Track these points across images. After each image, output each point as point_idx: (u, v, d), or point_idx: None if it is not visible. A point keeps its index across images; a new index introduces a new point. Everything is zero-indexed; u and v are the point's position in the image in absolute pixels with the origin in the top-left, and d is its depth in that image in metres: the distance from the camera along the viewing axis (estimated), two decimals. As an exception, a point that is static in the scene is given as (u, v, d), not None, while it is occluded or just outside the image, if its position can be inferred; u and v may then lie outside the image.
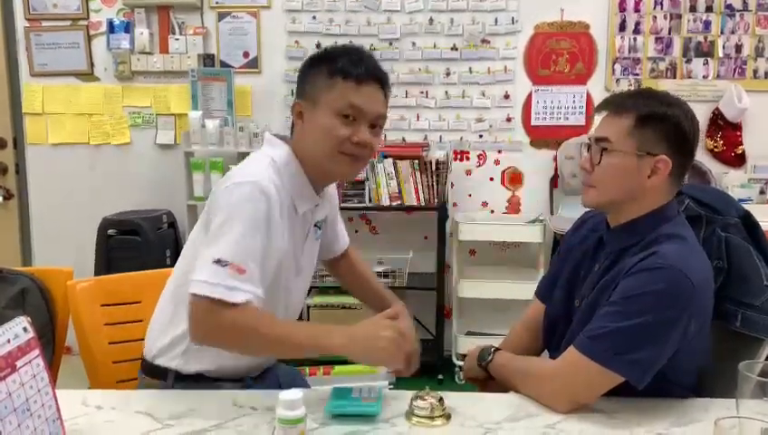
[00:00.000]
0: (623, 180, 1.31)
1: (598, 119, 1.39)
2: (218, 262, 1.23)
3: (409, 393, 1.26)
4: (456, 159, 3.46)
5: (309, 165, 1.39)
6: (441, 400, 1.23)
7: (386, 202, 3.22)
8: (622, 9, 3.32)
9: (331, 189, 1.56)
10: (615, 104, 1.35)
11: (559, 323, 1.46)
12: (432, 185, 3.23)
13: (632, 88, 3.32)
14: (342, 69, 1.34)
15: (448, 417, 1.22)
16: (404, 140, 3.45)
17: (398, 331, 1.24)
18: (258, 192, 1.28)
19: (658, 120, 1.30)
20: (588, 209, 1.52)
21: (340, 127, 1.34)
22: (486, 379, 1.48)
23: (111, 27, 3.41)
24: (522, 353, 1.54)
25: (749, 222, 1.43)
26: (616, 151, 1.31)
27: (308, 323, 1.35)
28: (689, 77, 3.34)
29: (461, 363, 3.26)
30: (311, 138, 1.36)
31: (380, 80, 1.38)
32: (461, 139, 3.46)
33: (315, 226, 1.49)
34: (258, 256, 1.27)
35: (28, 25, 3.46)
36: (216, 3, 3.42)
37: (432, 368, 3.23)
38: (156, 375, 1.44)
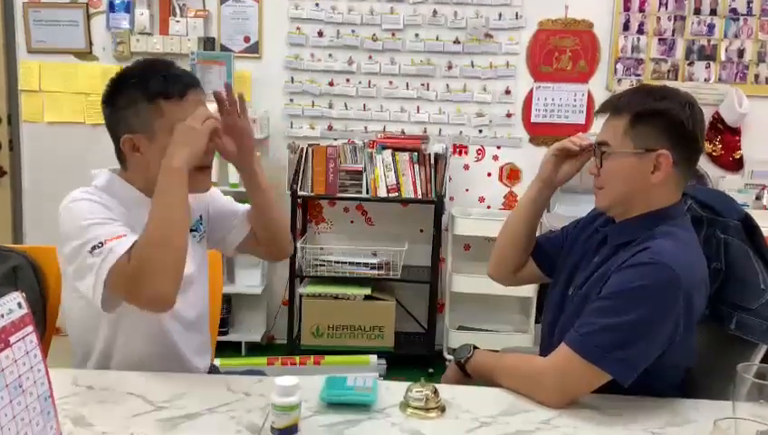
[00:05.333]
0: (627, 180, 1.33)
1: (600, 121, 1.40)
2: (94, 248, 1.23)
3: (404, 384, 1.25)
4: (454, 153, 3.44)
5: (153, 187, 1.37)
6: (436, 391, 1.22)
7: (383, 193, 3.20)
8: (627, 9, 3.31)
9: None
10: (612, 105, 1.37)
11: (554, 311, 1.47)
12: (430, 178, 3.21)
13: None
14: (160, 91, 1.32)
15: (443, 409, 1.22)
16: (403, 132, 3.43)
17: (187, 125, 1.29)
18: (81, 196, 1.32)
19: (652, 116, 1.30)
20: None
21: None
22: (463, 379, 1.48)
23: (111, 6, 3.36)
24: (508, 262, 1.58)
25: (749, 225, 1.43)
26: (616, 153, 1.32)
27: (156, 193, 1.31)
28: (691, 80, 3.33)
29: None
30: (158, 166, 1.30)
31: (196, 84, 1.37)
32: (460, 133, 3.44)
33: (191, 230, 1.44)
34: (119, 223, 1.29)
35: (27, 1, 3.41)
36: (219, -14, 3.39)
37: (423, 361, 3.23)
38: None
